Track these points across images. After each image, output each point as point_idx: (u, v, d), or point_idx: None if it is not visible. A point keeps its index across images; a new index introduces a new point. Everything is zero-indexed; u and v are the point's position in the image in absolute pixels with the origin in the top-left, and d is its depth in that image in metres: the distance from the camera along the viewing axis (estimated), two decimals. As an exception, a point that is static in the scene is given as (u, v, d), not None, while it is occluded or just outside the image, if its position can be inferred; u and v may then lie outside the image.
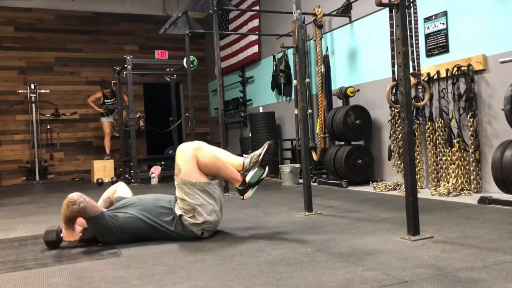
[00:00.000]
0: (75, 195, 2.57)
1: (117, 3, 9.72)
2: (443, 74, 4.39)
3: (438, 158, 4.44)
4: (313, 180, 5.75)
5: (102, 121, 8.82)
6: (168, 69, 8.43)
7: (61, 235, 2.71)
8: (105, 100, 8.77)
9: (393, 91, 4.61)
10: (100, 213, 2.63)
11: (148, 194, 3.03)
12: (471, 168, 4.16)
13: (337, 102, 5.89)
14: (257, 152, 2.79)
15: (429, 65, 4.58)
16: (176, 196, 2.75)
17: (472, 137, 4.09)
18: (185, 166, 2.67)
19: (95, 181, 7.85)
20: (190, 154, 2.68)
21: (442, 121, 4.36)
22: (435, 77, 4.46)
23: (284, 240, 2.62)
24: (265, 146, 2.78)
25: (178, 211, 2.69)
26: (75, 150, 9.36)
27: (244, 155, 2.88)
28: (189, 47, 6.50)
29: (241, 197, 2.81)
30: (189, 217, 2.66)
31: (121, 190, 3.10)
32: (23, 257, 2.57)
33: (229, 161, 2.81)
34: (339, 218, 3.24)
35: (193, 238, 2.71)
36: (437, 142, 4.42)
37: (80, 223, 2.75)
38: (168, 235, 2.71)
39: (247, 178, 2.76)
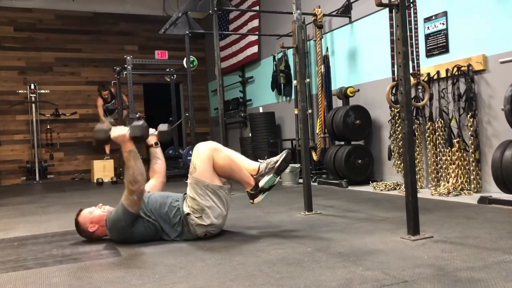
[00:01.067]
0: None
1: (117, 3, 9.72)
2: (443, 74, 4.39)
3: (438, 158, 4.44)
4: (313, 180, 5.75)
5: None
6: (168, 69, 8.43)
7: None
8: (105, 104, 8.74)
9: (393, 91, 4.61)
10: (136, 213, 2.65)
11: (156, 192, 3.01)
12: (471, 168, 4.16)
13: (337, 102, 5.89)
14: (274, 159, 2.82)
15: (429, 65, 4.59)
16: (185, 195, 2.76)
17: (472, 137, 4.09)
18: (201, 165, 2.68)
19: (95, 181, 7.85)
20: (206, 154, 2.70)
21: (442, 121, 4.36)
22: (435, 77, 4.46)
23: (284, 240, 2.62)
24: (284, 154, 2.81)
25: (186, 209, 2.69)
26: (75, 150, 9.36)
27: (259, 160, 2.90)
28: (189, 47, 6.51)
29: (251, 201, 2.83)
30: (196, 217, 2.67)
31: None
32: (23, 257, 2.57)
33: (244, 164, 2.83)
34: (339, 218, 3.24)
35: (193, 238, 2.71)
36: (437, 142, 4.42)
37: (98, 221, 2.78)
38: (174, 240, 2.72)
39: (261, 183, 2.78)
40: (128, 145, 2.70)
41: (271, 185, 2.79)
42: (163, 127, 3.12)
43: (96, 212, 2.80)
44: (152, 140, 3.09)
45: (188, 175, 2.75)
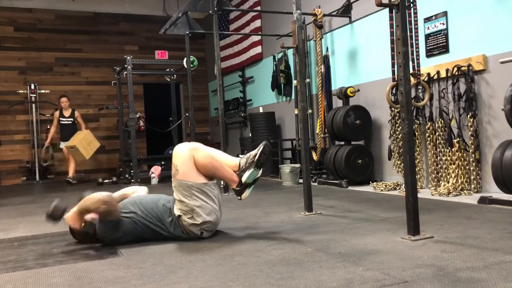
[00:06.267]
0: (107, 197, 2.61)
1: (117, 3, 9.72)
2: (443, 74, 4.40)
3: (438, 158, 4.44)
4: (313, 180, 5.75)
5: (61, 146, 8.04)
6: (168, 69, 8.43)
7: (65, 216, 2.71)
8: (61, 118, 8.02)
9: (393, 91, 4.61)
10: (117, 219, 2.64)
11: (147, 194, 3.02)
12: (471, 168, 4.16)
13: (337, 102, 5.89)
14: (252, 153, 2.80)
15: (429, 65, 4.59)
16: (174, 198, 2.76)
17: (472, 137, 4.09)
18: (183, 166, 2.67)
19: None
20: (187, 155, 2.69)
21: (442, 121, 4.36)
22: (435, 77, 4.47)
23: (284, 240, 2.62)
24: (261, 146, 2.80)
25: (176, 212, 2.69)
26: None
27: (240, 155, 2.88)
28: (189, 47, 6.50)
29: (238, 197, 2.82)
30: (188, 218, 2.66)
31: (141, 192, 3.10)
32: (23, 257, 2.57)
33: (225, 161, 2.83)
34: (339, 218, 3.24)
35: (193, 238, 2.71)
36: (437, 142, 4.42)
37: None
38: (169, 237, 2.72)
39: (243, 179, 2.77)
40: (73, 220, 2.70)
41: (255, 178, 2.78)
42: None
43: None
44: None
45: (172, 178, 2.73)
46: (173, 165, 2.71)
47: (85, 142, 7.52)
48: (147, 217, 2.70)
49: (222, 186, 4.72)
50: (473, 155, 4.12)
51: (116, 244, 2.67)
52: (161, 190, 3.29)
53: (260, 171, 2.79)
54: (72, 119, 8.01)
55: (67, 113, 8.00)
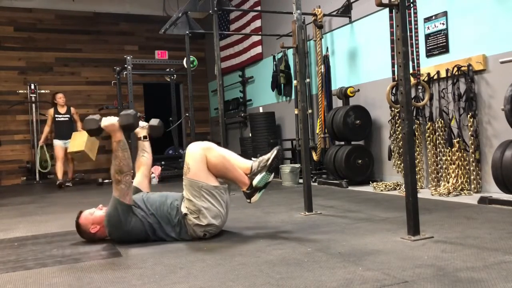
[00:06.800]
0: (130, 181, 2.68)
1: (117, 3, 9.72)
2: (443, 74, 4.40)
3: (438, 158, 4.44)
4: (313, 180, 5.75)
5: (55, 144, 7.68)
6: (168, 69, 8.43)
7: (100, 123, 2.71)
8: (56, 115, 7.72)
9: (393, 91, 4.61)
10: (128, 203, 2.66)
11: (155, 192, 3.00)
12: (471, 168, 4.16)
13: (337, 102, 5.89)
14: (265, 157, 2.81)
15: (429, 65, 4.59)
16: (183, 195, 2.76)
17: (472, 137, 4.09)
18: (195, 165, 2.68)
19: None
20: (200, 154, 2.70)
21: (442, 121, 4.36)
22: (435, 77, 4.47)
23: (284, 240, 2.62)
24: (274, 151, 2.81)
25: (184, 210, 2.69)
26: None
27: (252, 158, 2.89)
28: (189, 47, 6.50)
29: (248, 200, 2.82)
30: (194, 218, 2.67)
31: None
32: (23, 257, 2.57)
33: (237, 163, 2.83)
34: (339, 218, 3.24)
35: (193, 238, 2.71)
36: (437, 142, 4.42)
37: (99, 222, 2.77)
38: (173, 239, 2.72)
39: (254, 182, 2.77)
40: (118, 135, 2.69)
41: (266, 182, 2.78)
42: (154, 121, 3.14)
43: (97, 213, 2.80)
44: (141, 133, 3.10)
45: (183, 176, 2.74)
46: (185, 163, 2.72)
47: (89, 143, 7.47)
48: (153, 215, 2.70)
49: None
50: (473, 155, 4.12)
51: (121, 243, 2.68)
52: (162, 190, 3.28)
53: (272, 176, 2.79)
54: (68, 116, 7.80)
55: (62, 109, 7.81)
